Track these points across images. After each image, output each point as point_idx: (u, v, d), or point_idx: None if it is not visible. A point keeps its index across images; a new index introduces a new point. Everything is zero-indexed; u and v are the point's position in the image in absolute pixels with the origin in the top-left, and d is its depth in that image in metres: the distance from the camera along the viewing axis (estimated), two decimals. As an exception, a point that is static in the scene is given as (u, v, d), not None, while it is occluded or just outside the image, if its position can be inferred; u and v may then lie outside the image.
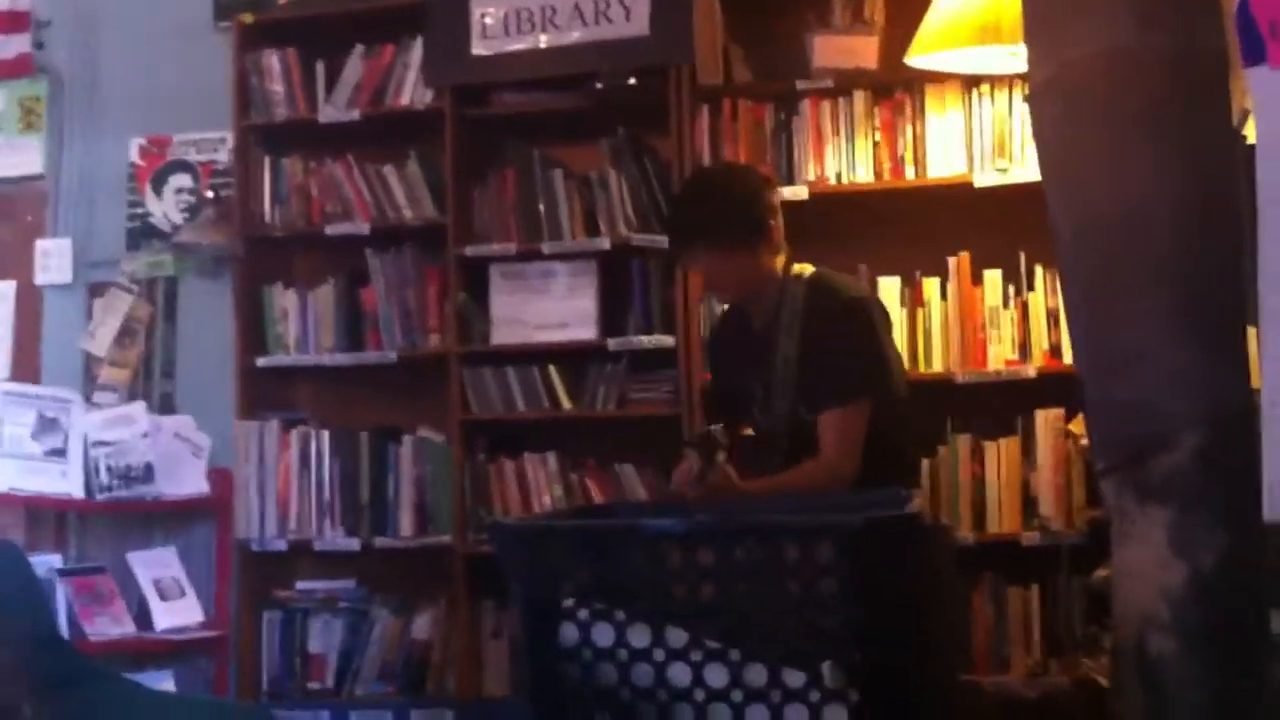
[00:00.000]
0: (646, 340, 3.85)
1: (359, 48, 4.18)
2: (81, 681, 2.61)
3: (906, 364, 3.68)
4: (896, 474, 2.78)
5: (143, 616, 3.99)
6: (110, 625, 3.87)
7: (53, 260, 4.50)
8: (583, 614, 1.90)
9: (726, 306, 3.26)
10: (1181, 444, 1.95)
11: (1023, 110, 3.59)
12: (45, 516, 4.20)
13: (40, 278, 4.49)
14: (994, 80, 3.65)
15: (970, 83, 3.67)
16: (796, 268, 2.98)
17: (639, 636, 1.88)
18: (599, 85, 3.90)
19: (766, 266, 2.93)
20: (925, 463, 3.66)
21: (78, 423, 4.03)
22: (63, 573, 3.89)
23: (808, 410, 2.84)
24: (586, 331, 3.93)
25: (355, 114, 4.13)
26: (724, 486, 2.68)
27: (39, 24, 4.60)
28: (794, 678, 1.83)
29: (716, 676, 1.84)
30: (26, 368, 4.44)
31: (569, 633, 1.91)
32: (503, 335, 4.00)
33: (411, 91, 4.11)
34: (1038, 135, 2.18)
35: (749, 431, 3.04)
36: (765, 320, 2.96)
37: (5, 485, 3.90)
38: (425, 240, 4.10)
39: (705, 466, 2.70)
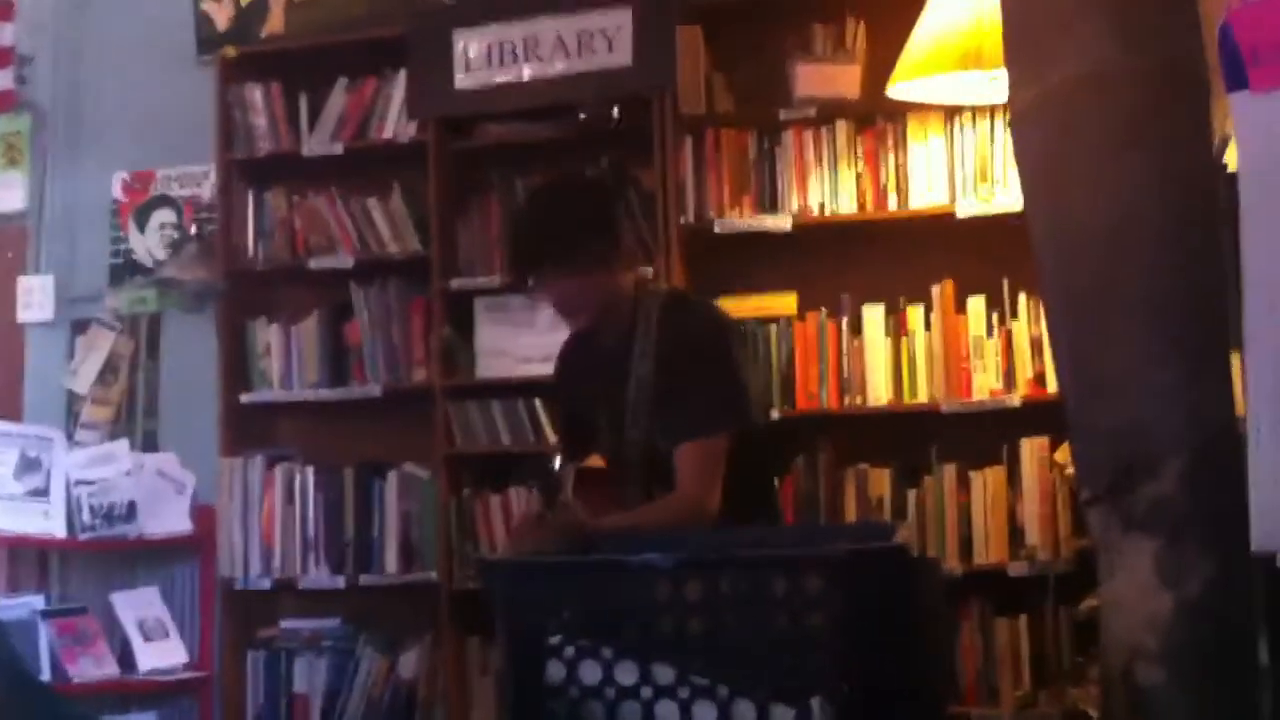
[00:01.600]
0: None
1: (342, 80, 4.18)
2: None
3: (891, 394, 3.69)
4: (755, 508, 2.67)
5: (126, 657, 3.95)
6: (93, 667, 3.83)
7: (35, 297, 4.48)
8: (569, 651, 1.88)
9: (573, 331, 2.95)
10: (1166, 470, 1.95)
11: (1004, 138, 3.61)
12: (27, 556, 4.16)
13: (22, 315, 4.47)
14: (975, 109, 3.66)
15: (952, 112, 3.68)
16: (651, 284, 2.83)
17: (626, 674, 1.86)
18: (582, 116, 3.90)
19: (622, 284, 2.72)
20: (911, 492, 3.66)
21: (60, 461, 4.01)
22: (45, 614, 3.85)
23: (663, 439, 2.66)
24: (571, 364, 3.92)
25: (339, 147, 4.13)
26: (573, 525, 2.46)
27: (22, 59, 4.60)
28: (783, 714, 1.81)
29: (705, 714, 1.82)
30: (8, 405, 4.41)
31: (555, 670, 1.89)
32: (488, 368, 3.99)
33: (395, 124, 4.11)
34: (1019, 159, 2.18)
35: (598, 462, 2.81)
36: (616, 339, 2.74)
37: (-13, 525, 3.87)
38: (409, 273, 4.09)
39: (546, 504, 2.51)
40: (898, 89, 3.50)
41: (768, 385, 3.73)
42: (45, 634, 3.79)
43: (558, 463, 2.62)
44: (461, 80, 4.02)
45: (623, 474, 2.74)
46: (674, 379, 2.67)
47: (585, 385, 2.85)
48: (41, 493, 3.97)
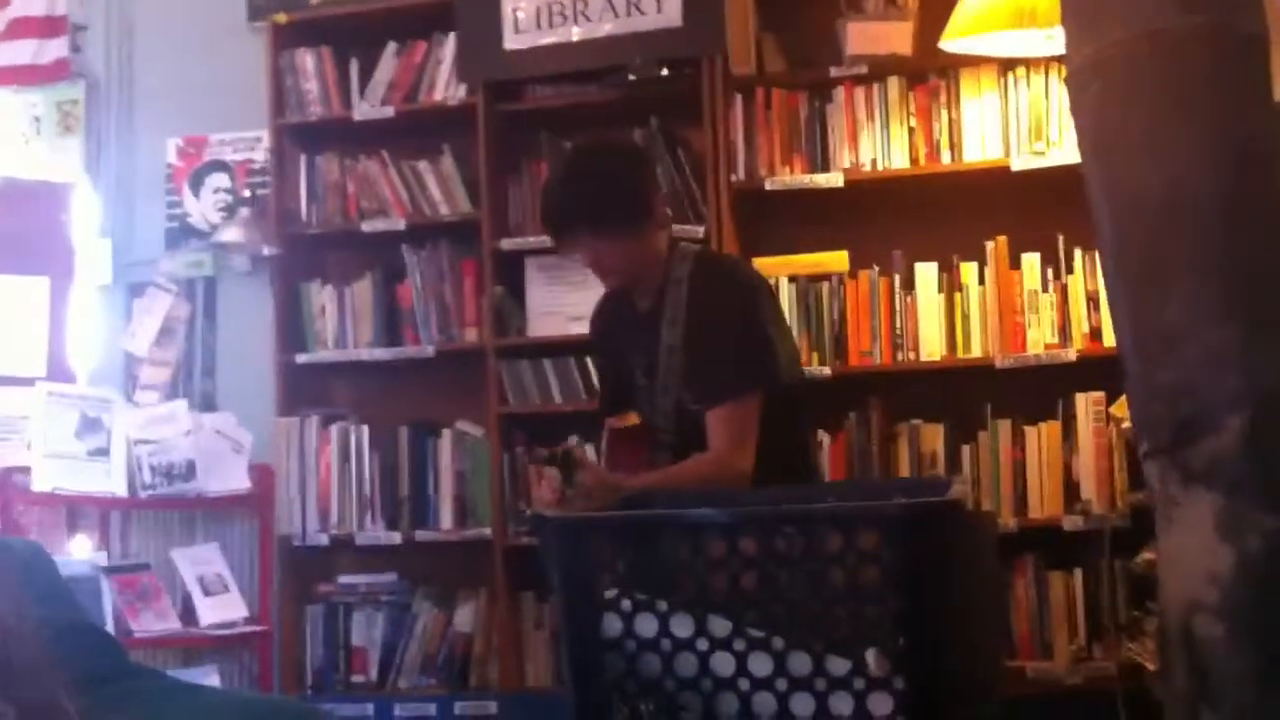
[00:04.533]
0: (682, 331, 3.84)
1: (392, 45, 4.20)
2: (122, 677, 2.63)
3: (945, 349, 3.68)
4: (789, 467, 2.66)
5: (187, 613, 4.02)
6: (155, 622, 3.91)
7: (93, 261, 4.54)
8: (625, 605, 1.90)
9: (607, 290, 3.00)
10: (1226, 426, 1.93)
11: (1059, 92, 3.57)
12: (89, 515, 4.24)
13: (81, 279, 4.54)
14: (1030, 63, 3.62)
15: (1006, 66, 3.65)
16: (682, 244, 2.83)
17: (682, 627, 1.87)
18: (631, 77, 3.90)
19: (653, 247, 2.76)
20: (966, 448, 3.65)
21: (120, 422, 4.07)
22: (108, 570, 3.93)
23: (691, 398, 2.68)
24: (623, 323, 3.93)
25: (389, 111, 4.15)
26: (601, 486, 2.48)
27: (76, 28, 4.64)
28: (838, 666, 1.82)
29: (760, 666, 1.83)
30: (65, 368, 4.48)
31: (611, 624, 1.91)
32: (539, 328, 4.01)
33: (445, 87, 4.13)
34: (1076, 117, 2.16)
35: (634, 419, 2.83)
36: (650, 302, 2.78)
37: (50, 485, 3.93)
38: (460, 234, 4.11)
39: (564, 481, 2.50)
40: (950, 46, 3.46)
41: (816, 341, 3.73)
42: (108, 590, 3.86)
43: (574, 444, 2.62)
44: (510, 42, 4.02)
45: (656, 437, 2.75)
46: (702, 342, 2.68)
47: (620, 345, 2.87)
48: (102, 453, 4.04)
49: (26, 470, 3.94)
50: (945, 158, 3.71)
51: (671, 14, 3.89)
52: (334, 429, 4.15)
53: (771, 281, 3.15)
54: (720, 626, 1.87)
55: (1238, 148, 1.97)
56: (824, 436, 3.68)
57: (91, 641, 2.74)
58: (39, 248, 4.51)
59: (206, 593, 4.02)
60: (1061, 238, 3.62)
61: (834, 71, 3.78)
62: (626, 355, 2.84)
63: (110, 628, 3.73)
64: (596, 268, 2.81)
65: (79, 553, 4.09)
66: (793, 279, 3.77)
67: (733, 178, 3.80)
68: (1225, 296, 1.95)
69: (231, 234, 4.35)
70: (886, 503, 1.94)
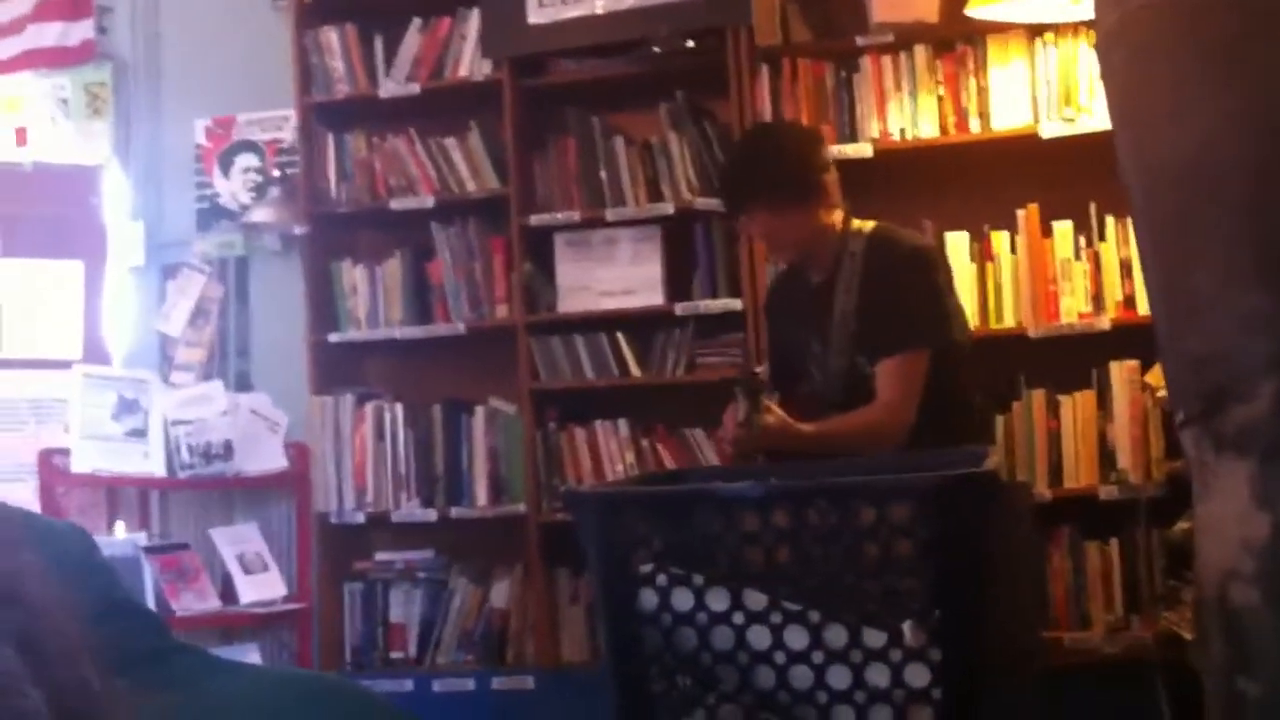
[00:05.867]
0: (713, 304, 3.84)
1: (416, 21, 4.19)
2: (164, 655, 2.66)
3: (977, 320, 3.66)
4: (960, 426, 2.75)
5: (227, 591, 4.06)
6: (196, 601, 3.95)
7: (125, 243, 4.57)
8: (661, 579, 1.91)
9: (783, 266, 3.23)
10: (1260, 392, 1.92)
11: (1089, 58, 3.53)
12: (128, 496, 4.28)
13: (114, 261, 4.57)
14: (1058, 28, 3.58)
15: (1034, 32, 3.61)
16: (856, 223, 2.95)
17: (718, 600, 1.88)
18: (656, 50, 3.88)
19: (824, 224, 2.90)
20: (1000, 419, 3.63)
21: (157, 403, 4.10)
22: (148, 550, 3.97)
23: (866, 360, 2.81)
24: (653, 297, 3.94)
25: (415, 88, 4.15)
26: (777, 428, 2.64)
27: (101, 9, 4.66)
28: (874, 638, 1.83)
29: (796, 638, 1.84)
30: (101, 350, 4.52)
31: (648, 598, 1.92)
32: (569, 304, 4.01)
33: (470, 63, 4.12)
34: (1106, 82, 2.14)
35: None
36: (824, 276, 2.93)
37: (89, 466, 3.98)
38: (489, 211, 4.11)
39: (751, 409, 2.65)
40: (976, 13, 3.43)
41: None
42: (149, 570, 3.90)
43: (763, 370, 2.81)
44: (534, 16, 4.01)
45: (827, 401, 2.87)
46: (876, 301, 2.82)
47: (794, 319, 3.00)
48: (140, 433, 4.08)
49: (66, 452, 3.98)
50: (974, 126, 3.68)
51: (696, -15, 3.87)
52: (368, 407, 4.18)
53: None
54: (756, 600, 1.88)
55: (1264, 113, 1.95)
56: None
57: (134, 620, 2.76)
58: (71, 231, 4.55)
59: (246, 571, 4.06)
60: (1093, 205, 3.59)
61: (860, 41, 3.75)
62: (799, 328, 2.98)
63: (151, 607, 3.77)
64: (770, 242, 3.03)
65: (119, 533, 4.14)
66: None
67: (761, 150, 3.78)
68: (1255, 262, 1.93)
69: (262, 214, 4.37)
70: (920, 475, 1.94)
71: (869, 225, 2.96)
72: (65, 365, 4.15)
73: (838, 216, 2.93)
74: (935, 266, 2.91)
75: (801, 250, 2.96)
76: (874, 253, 2.88)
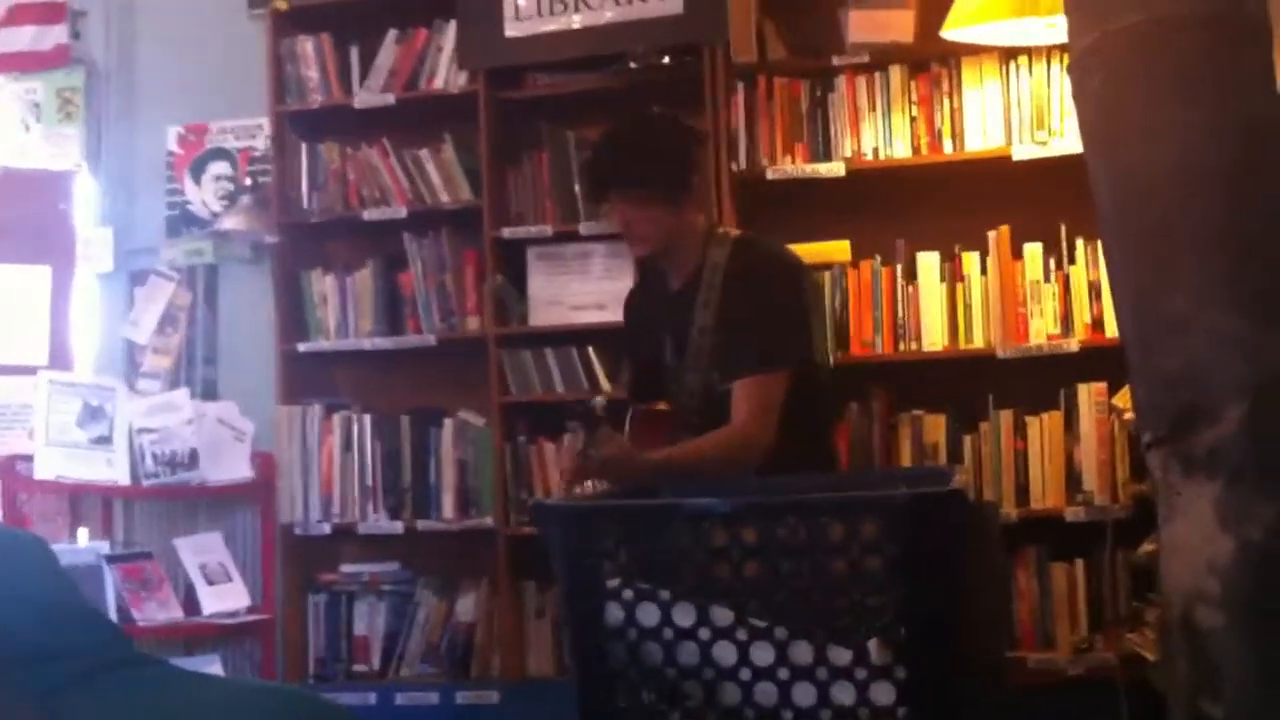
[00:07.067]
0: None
1: (392, 32, 4.19)
2: (125, 665, 2.63)
3: (947, 339, 3.68)
4: (811, 450, 2.67)
5: (190, 601, 4.03)
6: (158, 610, 3.91)
7: (94, 249, 4.54)
8: (627, 594, 1.90)
9: (643, 267, 3.08)
10: (1228, 414, 1.93)
11: (1062, 81, 3.56)
12: (91, 504, 4.24)
13: (82, 267, 4.53)
14: (1032, 51, 3.61)
15: (1008, 54, 3.64)
16: (721, 229, 2.86)
17: (684, 616, 1.87)
18: (633, 65, 3.89)
19: (687, 223, 2.80)
20: (967, 438, 3.65)
21: (122, 410, 4.07)
22: (110, 559, 3.93)
23: (722, 378, 2.69)
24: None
25: (390, 98, 4.14)
26: (619, 458, 2.51)
27: (75, 14, 4.63)
28: (840, 655, 1.82)
29: (762, 655, 1.83)
30: (67, 356, 4.48)
31: (614, 612, 1.91)
32: (541, 317, 4.01)
33: (445, 75, 4.12)
34: (1079, 104, 2.16)
35: (663, 406, 2.87)
36: (684, 281, 2.82)
37: (52, 473, 3.94)
38: (462, 223, 4.11)
39: (587, 441, 2.52)
40: (952, 35, 3.45)
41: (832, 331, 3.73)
42: (111, 579, 3.87)
43: (599, 402, 2.62)
44: (512, 29, 4.02)
45: (682, 417, 2.77)
46: (736, 317, 2.70)
47: (652, 324, 2.89)
48: (105, 441, 4.04)
49: (29, 459, 3.95)
50: (947, 147, 3.70)
51: (673, 1, 3.88)
52: (336, 418, 4.16)
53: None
54: (722, 616, 1.87)
55: (1239, 133, 1.97)
56: (826, 425, 3.68)
57: (94, 629, 2.74)
58: (40, 236, 4.51)
59: (209, 581, 4.02)
60: (1064, 227, 3.61)
61: (836, 60, 3.77)
62: (657, 333, 2.86)
63: (113, 617, 3.73)
64: (628, 232, 2.85)
65: (82, 541, 4.09)
66: (795, 268, 3.76)
67: (734, 166, 3.79)
68: (1228, 283, 1.94)
69: (232, 222, 4.35)
70: (889, 493, 1.94)
71: (734, 233, 2.88)
72: (31, 371, 4.12)
73: (701, 219, 2.84)
74: (799, 283, 2.79)
75: (658, 247, 2.82)
76: (736, 263, 2.76)
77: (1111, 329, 3.44)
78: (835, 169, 3.72)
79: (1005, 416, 3.63)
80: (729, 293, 2.73)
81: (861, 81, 3.76)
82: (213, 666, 3.93)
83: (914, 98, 3.73)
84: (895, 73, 3.74)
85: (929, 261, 3.70)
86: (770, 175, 3.78)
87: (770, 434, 2.63)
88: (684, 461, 2.62)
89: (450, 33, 4.10)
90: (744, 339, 2.68)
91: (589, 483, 2.60)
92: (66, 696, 2.32)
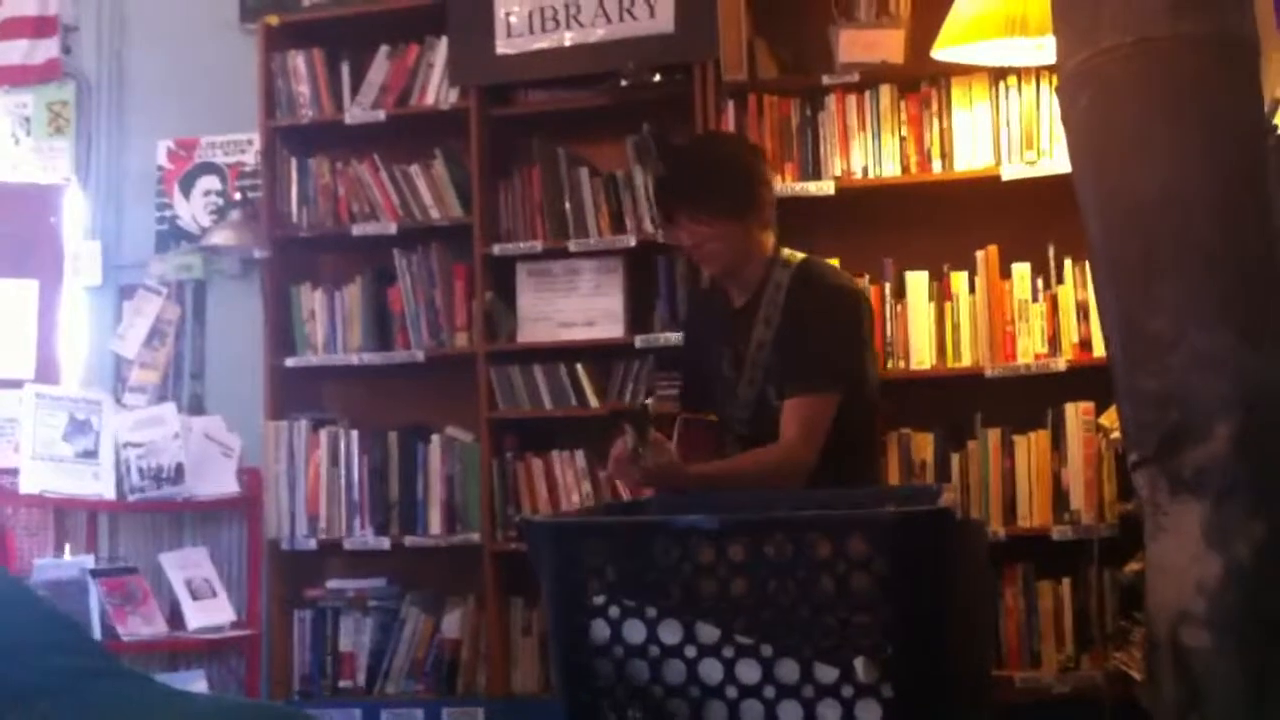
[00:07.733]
0: (673, 337, 3.84)
1: (384, 48, 4.20)
2: (107, 680, 2.61)
3: (935, 358, 3.68)
4: (855, 474, 2.69)
5: (175, 616, 4.01)
6: (143, 625, 3.89)
7: (83, 263, 4.53)
8: (613, 611, 1.90)
9: (706, 284, 3.13)
10: (1215, 433, 1.93)
11: (1051, 101, 3.57)
12: (77, 518, 4.22)
13: (70, 280, 4.52)
14: (1021, 72, 3.63)
15: (997, 75, 3.65)
16: (786, 252, 2.89)
17: (670, 633, 1.87)
18: (624, 83, 3.90)
19: (755, 242, 2.84)
20: (955, 456, 3.65)
21: (109, 424, 4.05)
22: (95, 573, 3.91)
23: (775, 394, 2.74)
24: (613, 329, 3.94)
25: (381, 114, 4.14)
26: (664, 469, 2.56)
27: (67, 29, 4.64)
28: (826, 673, 1.82)
29: (748, 673, 1.83)
30: (54, 370, 4.47)
31: (600, 630, 1.90)
32: (530, 333, 4.01)
33: (437, 91, 4.12)
34: (1067, 124, 2.17)
35: (713, 417, 2.91)
36: (745, 301, 2.86)
37: (37, 487, 3.92)
38: (452, 239, 4.11)
39: (639, 443, 2.56)
40: (942, 55, 3.47)
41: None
42: (96, 593, 3.84)
43: (652, 403, 2.70)
44: (503, 46, 4.03)
45: (733, 433, 2.81)
46: (794, 335, 2.75)
47: (710, 340, 2.93)
48: (91, 455, 4.02)
49: (14, 472, 3.93)
50: (936, 166, 3.71)
51: (664, 20, 3.89)
52: (323, 433, 4.15)
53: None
54: (708, 633, 1.87)
55: (1227, 153, 1.98)
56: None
57: (75, 645, 2.73)
58: (28, 250, 4.50)
59: (194, 597, 4.00)
60: (1052, 247, 3.63)
61: (826, 79, 3.78)
62: (714, 346, 2.90)
63: (97, 631, 3.71)
64: (698, 252, 2.88)
65: (66, 555, 4.07)
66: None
67: (724, 184, 3.79)
68: (1215, 302, 1.95)
69: (222, 236, 4.34)
70: (876, 510, 1.94)
71: (799, 256, 2.91)
72: (17, 384, 4.10)
73: (769, 239, 2.88)
74: (857, 309, 2.84)
75: (729, 265, 2.86)
76: (800, 286, 2.81)
77: (1099, 349, 3.45)
78: (825, 187, 3.73)
79: (993, 435, 3.64)
80: (790, 312, 2.78)
81: (851, 101, 3.77)
82: (198, 683, 3.90)
83: (904, 117, 3.74)
84: (885, 92, 3.75)
85: (918, 280, 3.71)
86: (760, 193, 3.78)
87: (814, 454, 2.68)
88: (727, 476, 2.67)
89: (442, 49, 4.11)
90: (800, 358, 2.73)
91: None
92: (41, 700, 2.30)
